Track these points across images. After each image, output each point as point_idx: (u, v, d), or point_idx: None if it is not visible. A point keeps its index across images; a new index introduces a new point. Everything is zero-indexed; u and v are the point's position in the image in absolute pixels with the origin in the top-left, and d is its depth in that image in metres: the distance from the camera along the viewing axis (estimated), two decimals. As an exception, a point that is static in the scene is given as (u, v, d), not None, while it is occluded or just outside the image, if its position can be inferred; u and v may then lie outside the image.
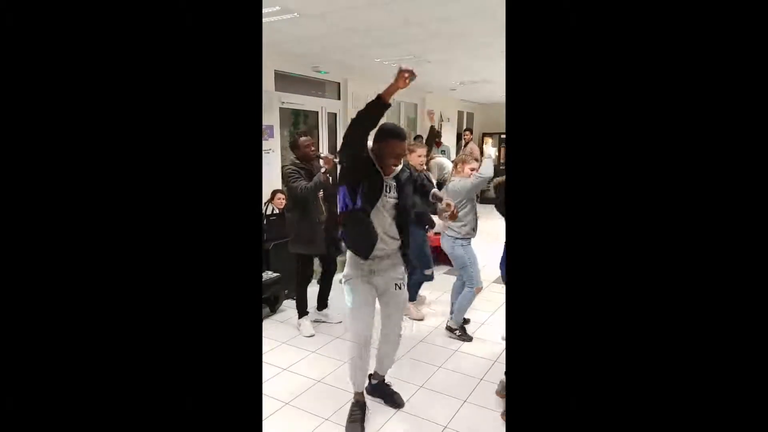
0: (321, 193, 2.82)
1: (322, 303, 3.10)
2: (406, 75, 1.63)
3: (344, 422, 1.97)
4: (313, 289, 3.06)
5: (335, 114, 5.30)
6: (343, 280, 1.90)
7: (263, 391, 2.22)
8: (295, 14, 2.78)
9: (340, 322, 3.06)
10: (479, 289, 2.77)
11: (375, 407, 2.10)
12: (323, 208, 2.85)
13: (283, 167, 2.87)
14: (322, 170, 2.67)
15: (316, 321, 3.04)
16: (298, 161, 2.77)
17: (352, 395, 2.01)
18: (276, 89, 4.36)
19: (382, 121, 1.81)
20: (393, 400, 2.13)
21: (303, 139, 2.78)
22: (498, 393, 2.17)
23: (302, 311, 2.95)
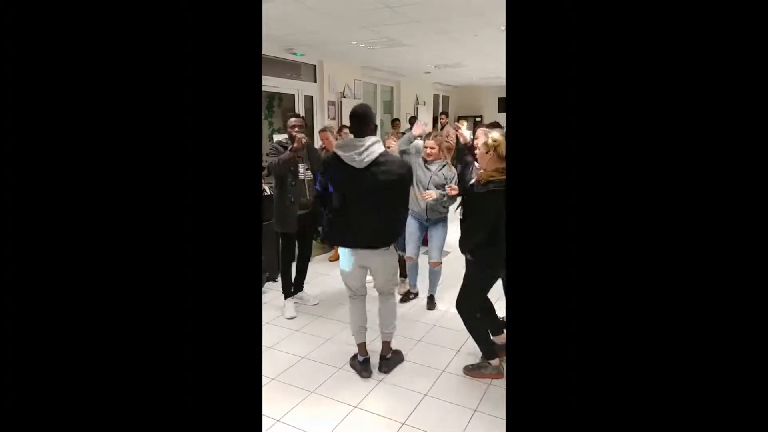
0: (308, 173, 2.87)
1: (298, 286, 3.15)
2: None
3: (329, 394, 2.08)
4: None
5: (311, 97, 5.28)
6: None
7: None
8: (271, -5, 2.78)
9: (317, 303, 3.13)
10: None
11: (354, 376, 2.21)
12: (307, 191, 2.88)
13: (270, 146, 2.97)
14: (288, 149, 2.71)
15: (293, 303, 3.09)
16: (284, 141, 2.87)
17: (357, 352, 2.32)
18: (251, 72, 4.31)
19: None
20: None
21: (291, 120, 2.87)
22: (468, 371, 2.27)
23: (287, 292, 3.01)
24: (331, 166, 2.08)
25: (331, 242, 2.27)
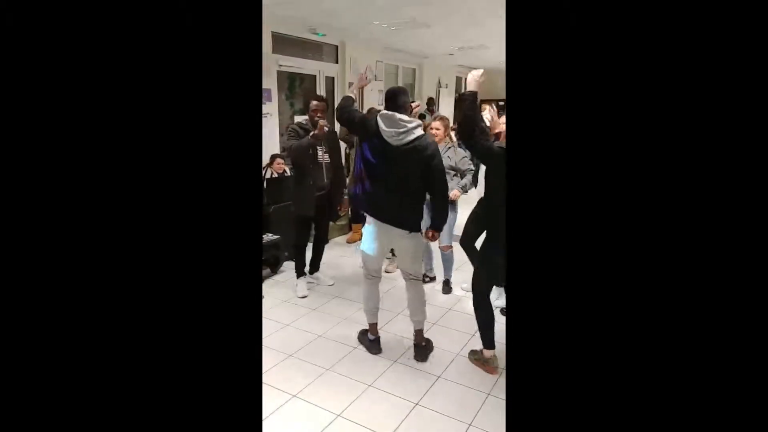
0: (326, 157, 2.85)
1: (314, 267, 3.19)
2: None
3: (344, 372, 2.13)
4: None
5: (333, 78, 5.25)
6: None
7: (267, 345, 2.35)
8: (293, -26, 2.74)
9: (332, 284, 3.17)
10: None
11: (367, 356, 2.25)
12: (324, 174, 2.87)
13: (287, 126, 2.96)
14: (309, 135, 2.69)
15: (308, 282, 3.13)
16: (304, 123, 2.84)
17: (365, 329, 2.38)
18: (273, 51, 4.31)
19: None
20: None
21: (313, 103, 2.82)
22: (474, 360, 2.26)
23: (300, 272, 3.06)
24: (369, 132, 2.04)
25: (361, 209, 2.24)
